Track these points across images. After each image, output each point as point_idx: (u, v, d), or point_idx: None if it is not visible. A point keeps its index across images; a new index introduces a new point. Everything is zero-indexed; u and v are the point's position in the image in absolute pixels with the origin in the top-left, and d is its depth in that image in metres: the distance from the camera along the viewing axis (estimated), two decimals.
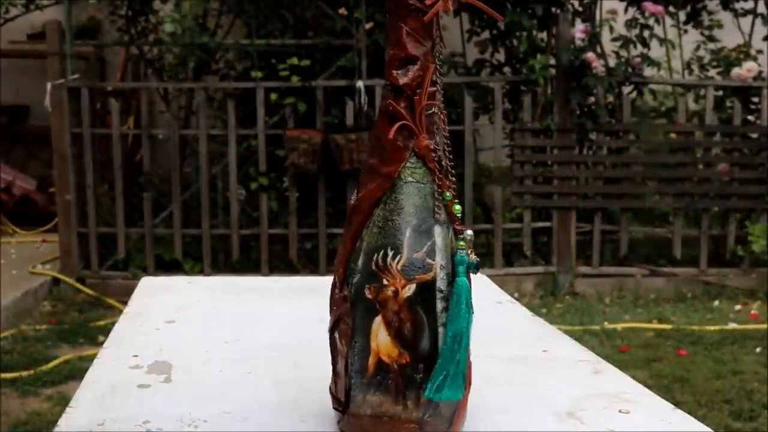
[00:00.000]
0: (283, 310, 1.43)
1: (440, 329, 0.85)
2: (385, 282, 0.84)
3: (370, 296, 0.85)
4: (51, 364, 3.52)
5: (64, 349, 3.80)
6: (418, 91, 0.86)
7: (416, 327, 0.85)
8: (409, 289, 0.84)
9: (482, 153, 5.27)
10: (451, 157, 0.90)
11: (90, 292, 4.69)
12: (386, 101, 0.87)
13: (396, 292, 0.84)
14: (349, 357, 0.88)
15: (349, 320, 0.88)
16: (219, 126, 4.98)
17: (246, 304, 1.47)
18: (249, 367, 1.13)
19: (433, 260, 0.85)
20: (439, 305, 0.85)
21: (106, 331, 3.74)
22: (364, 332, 0.86)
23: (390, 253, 0.85)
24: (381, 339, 0.85)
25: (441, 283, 0.85)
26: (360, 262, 0.87)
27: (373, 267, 0.85)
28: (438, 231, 0.86)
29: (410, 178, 0.87)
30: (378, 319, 0.85)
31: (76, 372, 3.39)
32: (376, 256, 0.85)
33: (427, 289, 0.84)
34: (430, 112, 0.87)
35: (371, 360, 0.86)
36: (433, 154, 0.87)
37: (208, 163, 4.77)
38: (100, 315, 4.35)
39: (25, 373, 3.41)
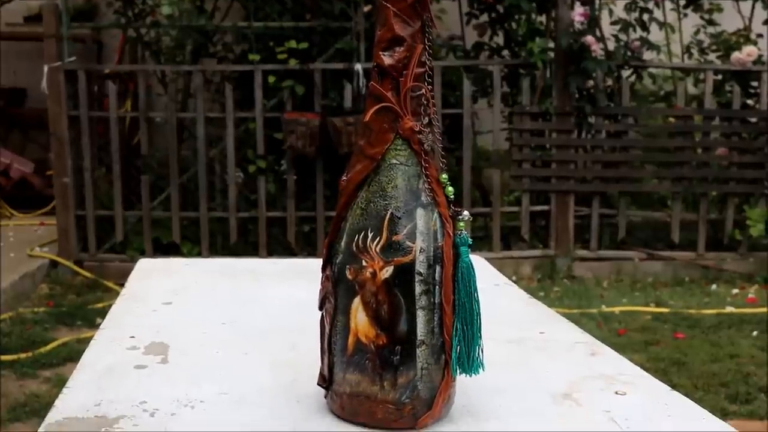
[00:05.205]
0: (281, 292, 1.42)
1: (419, 312, 0.85)
2: (364, 263, 0.85)
3: (350, 277, 0.86)
4: (49, 347, 3.53)
5: (62, 331, 3.81)
6: (404, 72, 0.85)
7: (393, 309, 0.85)
8: (387, 271, 0.84)
9: (481, 136, 5.27)
10: (440, 138, 0.89)
11: (88, 274, 4.69)
12: (371, 82, 0.87)
13: (374, 274, 0.84)
14: (332, 335, 0.89)
15: (332, 299, 0.88)
16: (217, 109, 4.96)
17: (243, 286, 1.47)
18: (246, 348, 1.13)
19: (413, 243, 0.84)
20: (418, 288, 0.85)
21: (103, 313, 3.74)
22: (345, 312, 0.87)
23: (370, 235, 0.85)
24: (359, 319, 0.86)
25: (420, 266, 0.85)
26: (343, 242, 0.87)
27: (354, 248, 0.86)
28: (420, 214, 0.86)
29: (394, 160, 0.86)
30: (357, 300, 0.86)
31: (74, 354, 3.39)
32: (357, 237, 0.86)
33: (405, 272, 0.84)
34: (417, 93, 0.86)
35: (350, 339, 0.87)
36: (419, 136, 0.86)
37: (206, 146, 4.76)
38: (97, 297, 4.35)
39: (23, 356, 3.42)
